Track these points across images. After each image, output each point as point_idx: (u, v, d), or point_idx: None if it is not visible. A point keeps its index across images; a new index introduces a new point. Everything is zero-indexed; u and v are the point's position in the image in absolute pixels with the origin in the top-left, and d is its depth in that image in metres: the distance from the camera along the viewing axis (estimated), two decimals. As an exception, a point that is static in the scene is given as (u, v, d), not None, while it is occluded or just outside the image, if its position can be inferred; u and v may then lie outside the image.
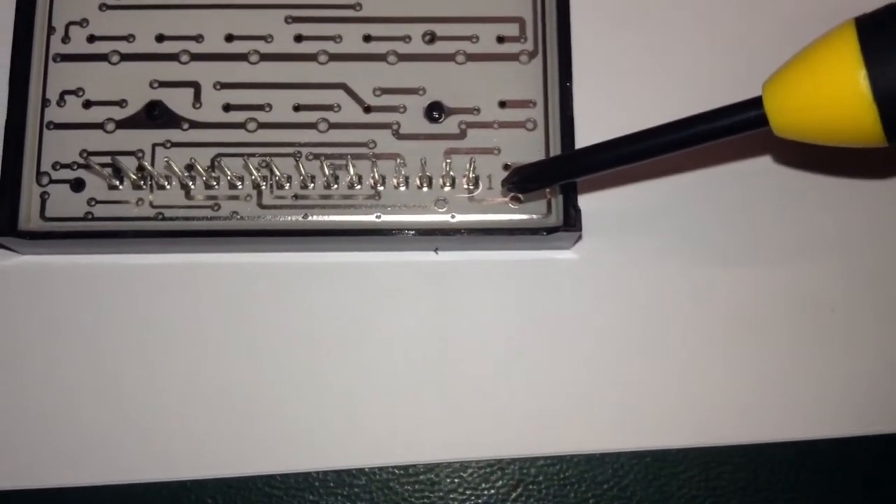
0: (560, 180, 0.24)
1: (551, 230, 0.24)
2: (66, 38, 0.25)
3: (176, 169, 0.24)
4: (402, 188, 0.25)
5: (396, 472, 0.24)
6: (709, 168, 0.25)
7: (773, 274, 0.25)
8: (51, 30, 0.25)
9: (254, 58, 0.25)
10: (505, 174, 0.24)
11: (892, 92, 0.19)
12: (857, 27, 0.20)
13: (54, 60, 0.25)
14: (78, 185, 0.24)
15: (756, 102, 0.20)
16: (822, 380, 0.24)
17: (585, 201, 0.25)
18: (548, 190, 0.24)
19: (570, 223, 0.24)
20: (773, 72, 0.21)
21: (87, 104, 0.25)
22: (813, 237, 0.25)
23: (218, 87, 0.25)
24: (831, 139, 0.20)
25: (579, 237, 0.24)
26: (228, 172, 0.24)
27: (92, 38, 0.25)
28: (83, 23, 0.25)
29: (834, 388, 0.24)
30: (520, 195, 0.24)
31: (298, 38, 0.25)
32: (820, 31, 0.21)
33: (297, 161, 0.24)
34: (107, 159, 0.24)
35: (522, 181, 0.24)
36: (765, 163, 0.25)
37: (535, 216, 0.24)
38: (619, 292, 0.25)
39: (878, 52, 0.19)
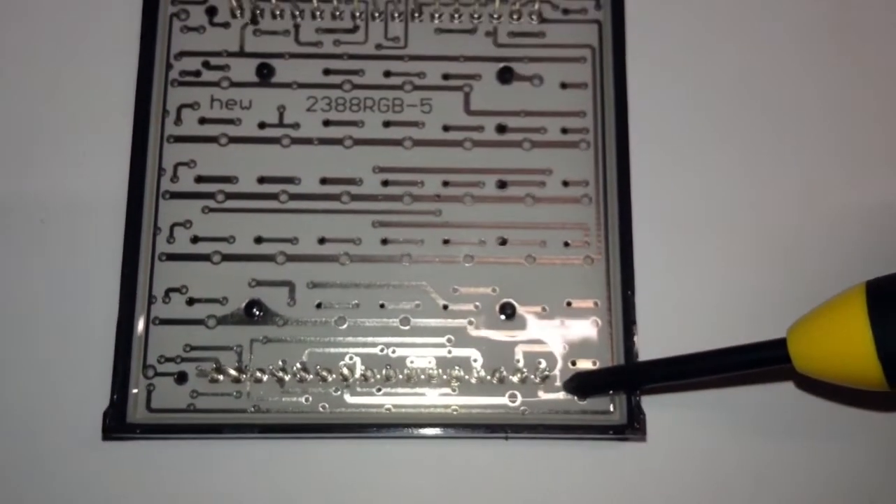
0: (613, 390, 0.27)
1: (617, 430, 0.26)
2: (171, 239, 0.27)
3: (272, 368, 0.26)
4: (477, 381, 0.27)
5: None
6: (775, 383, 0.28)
7: (823, 470, 0.27)
8: (156, 230, 0.27)
9: (344, 259, 0.27)
10: (573, 372, 0.27)
11: (894, 353, 0.22)
12: (867, 292, 0.23)
13: (160, 259, 0.27)
14: (181, 378, 0.26)
15: (782, 343, 0.24)
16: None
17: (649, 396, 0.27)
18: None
19: (634, 425, 0.26)
20: (797, 319, 0.24)
21: (191, 301, 0.27)
22: (857, 435, 0.27)
23: (311, 286, 0.27)
24: (843, 382, 0.24)
25: (643, 437, 0.26)
26: (318, 368, 0.26)
27: (195, 239, 0.27)
28: (187, 224, 0.27)
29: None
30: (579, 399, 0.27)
31: (384, 242, 0.28)
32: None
33: (383, 357, 0.26)
34: (208, 353, 0.27)
35: (582, 386, 0.27)
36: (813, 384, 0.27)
37: (600, 411, 0.27)
38: (678, 483, 0.27)
39: (882, 318, 0.22)
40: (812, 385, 0.27)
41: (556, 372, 0.27)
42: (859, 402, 0.27)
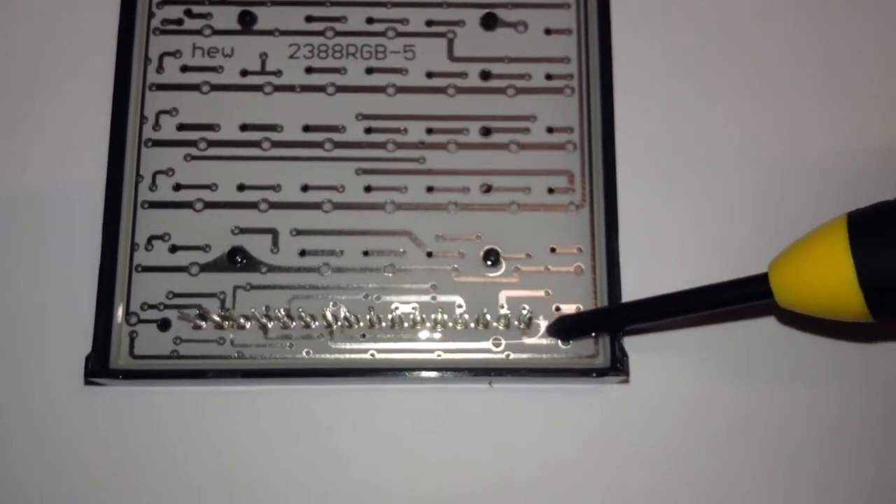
0: (596, 332, 0.27)
1: (600, 372, 0.26)
2: (153, 186, 0.27)
3: (256, 313, 0.26)
4: (461, 328, 0.27)
5: None
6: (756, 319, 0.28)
7: (805, 413, 0.27)
8: (139, 178, 0.27)
9: (327, 206, 0.27)
10: (556, 315, 0.27)
11: (876, 282, 0.22)
12: (849, 223, 0.23)
13: (143, 207, 0.27)
14: (164, 324, 0.26)
15: (763, 278, 0.24)
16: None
17: (632, 338, 0.27)
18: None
19: (618, 367, 0.26)
20: (779, 253, 0.24)
21: (173, 248, 0.27)
22: (840, 380, 0.27)
23: (294, 233, 0.27)
24: (826, 315, 0.24)
25: (626, 379, 0.27)
26: (303, 314, 0.26)
27: (178, 187, 0.27)
28: (169, 172, 0.27)
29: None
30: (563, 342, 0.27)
31: (368, 189, 0.28)
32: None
33: (367, 303, 0.26)
34: (191, 300, 0.26)
35: (565, 330, 0.27)
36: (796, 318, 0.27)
37: (584, 355, 0.27)
38: (660, 425, 0.27)
39: (863, 248, 0.22)
40: (794, 319, 0.27)
41: (540, 317, 0.27)
42: (841, 334, 0.27)
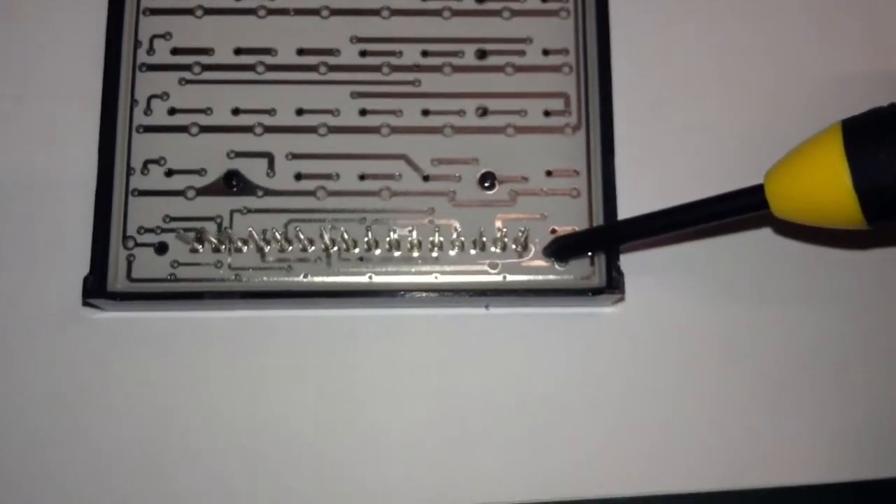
0: (592, 250, 0.27)
1: (596, 291, 0.26)
2: (148, 111, 0.27)
3: (254, 234, 0.26)
4: (458, 251, 0.27)
5: (452, 512, 0.27)
6: (746, 231, 0.28)
7: (797, 332, 0.27)
8: (134, 102, 0.27)
9: (322, 130, 0.27)
10: (552, 237, 0.27)
11: (871, 186, 0.22)
12: (843, 129, 0.23)
13: (138, 131, 0.27)
14: (161, 248, 0.26)
15: (759, 189, 0.24)
16: (839, 427, 0.27)
17: (626, 259, 0.27)
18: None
19: (613, 285, 0.26)
20: (774, 163, 0.24)
21: (169, 173, 0.27)
22: (832, 299, 0.27)
23: (290, 157, 0.27)
24: (821, 223, 0.24)
25: (621, 298, 0.27)
26: (301, 237, 0.26)
27: (173, 111, 0.27)
28: (164, 96, 0.27)
29: (850, 435, 0.27)
30: (559, 262, 0.27)
31: (363, 112, 0.27)
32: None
33: (364, 226, 0.26)
34: (188, 224, 0.27)
35: (560, 250, 0.27)
36: (799, 229, 0.28)
37: (579, 276, 0.27)
38: (655, 345, 0.27)
39: (858, 152, 0.22)
40: (790, 231, 0.27)
41: (537, 240, 0.27)
42: (837, 243, 0.27)
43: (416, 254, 0.27)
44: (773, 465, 0.27)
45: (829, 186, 0.22)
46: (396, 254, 0.27)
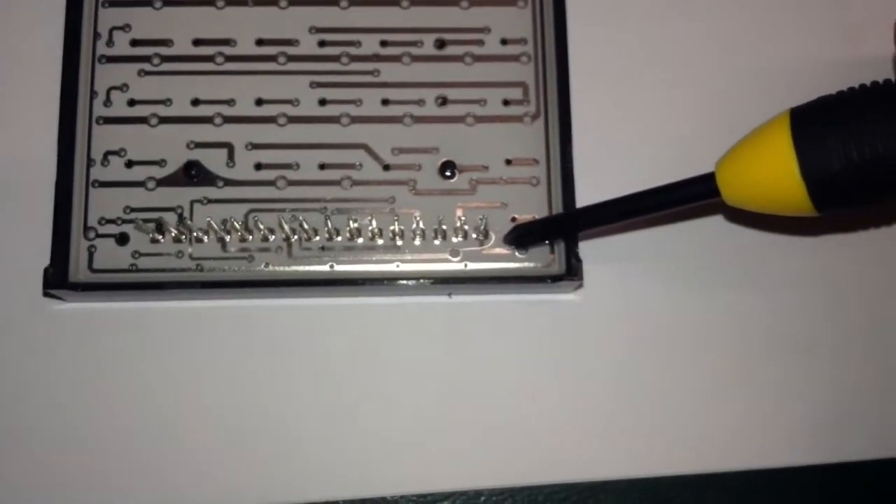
0: (551, 238, 0.27)
1: (556, 278, 0.26)
2: (107, 102, 0.27)
3: (214, 225, 0.26)
4: (419, 240, 0.27)
5: (415, 499, 0.27)
6: (701, 218, 0.28)
7: (758, 316, 0.28)
8: (93, 94, 0.27)
9: (282, 120, 0.27)
10: (512, 226, 0.27)
11: (818, 173, 0.22)
12: (791, 117, 0.23)
13: (97, 123, 0.27)
14: (122, 239, 0.27)
15: (710, 178, 0.24)
16: (804, 411, 0.27)
17: (586, 247, 0.27)
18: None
19: (572, 272, 0.26)
20: (725, 151, 0.24)
21: (129, 164, 0.27)
22: (791, 283, 0.28)
23: (249, 147, 0.27)
24: (771, 210, 0.24)
25: (581, 284, 0.27)
26: (261, 226, 0.27)
27: (132, 102, 0.27)
28: (123, 87, 0.27)
29: (815, 418, 0.27)
30: (519, 250, 0.27)
31: (322, 102, 0.28)
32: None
33: (324, 216, 0.27)
34: (149, 215, 0.27)
35: (521, 238, 0.27)
36: (744, 217, 0.28)
37: (540, 264, 0.27)
38: (616, 331, 0.27)
39: (805, 140, 0.22)
40: (742, 218, 0.27)
41: (497, 228, 0.27)
42: (789, 232, 0.28)
43: (379, 242, 0.27)
44: (735, 448, 0.27)
45: (777, 174, 0.22)
46: (359, 241, 0.27)
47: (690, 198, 0.24)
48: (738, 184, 0.23)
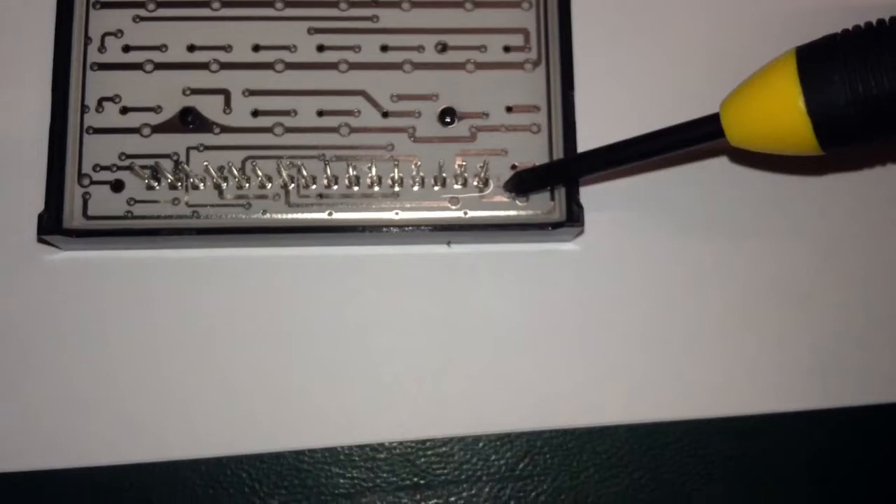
0: (552, 184, 0.27)
1: (556, 225, 0.26)
2: (102, 48, 0.27)
3: (211, 171, 0.26)
4: (419, 187, 0.27)
5: (414, 445, 0.27)
6: (702, 161, 0.28)
7: (758, 263, 0.27)
8: (87, 40, 0.27)
9: (279, 66, 0.27)
10: (512, 173, 0.27)
11: (824, 111, 0.22)
12: (797, 55, 0.23)
13: (92, 69, 0.27)
14: (117, 185, 0.26)
15: (715, 118, 0.24)
16: (803, 356, 0.27)
17: (586, 194, 0.27)
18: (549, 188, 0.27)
19: (573, 218, 0.26)
20: (730, 91, 0.24)
21: (124, 110, 0.27)
22: (792, 229, 0.28)
23: (247, 94, 0.27)
24: (776, 149, 0.24)
25: (581, 231, 0.27)
26: (258, 173, 0.26)
27: (127, 48, 0.27)
28: (118, 33, 0.27)
29: (812, 365, 0.27)
30: (519, 197, 0.27)
31: (320, 48, 0.27)
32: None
33: (323, 163, 0.26)
34: (144, 162, 0.26)
35: (521, 184, 0.27)
36: (755, 159, 0.28)
37: (540, 211, 0.27)
38: (616, 280, 0.27)
39: (811, 77, 0.22)
40: (746, 159, 0.27)
41: (497, 175, 0.27)
42: (790, 173, 0.27)
43: (376, 189, 0.27)
44: (734, 394, 0.27)
45: (783, 112, 0.22)
46: (356, 189, 0.27)
47: (695, 139, 0.24)
48: (743, 123, 0.23)
